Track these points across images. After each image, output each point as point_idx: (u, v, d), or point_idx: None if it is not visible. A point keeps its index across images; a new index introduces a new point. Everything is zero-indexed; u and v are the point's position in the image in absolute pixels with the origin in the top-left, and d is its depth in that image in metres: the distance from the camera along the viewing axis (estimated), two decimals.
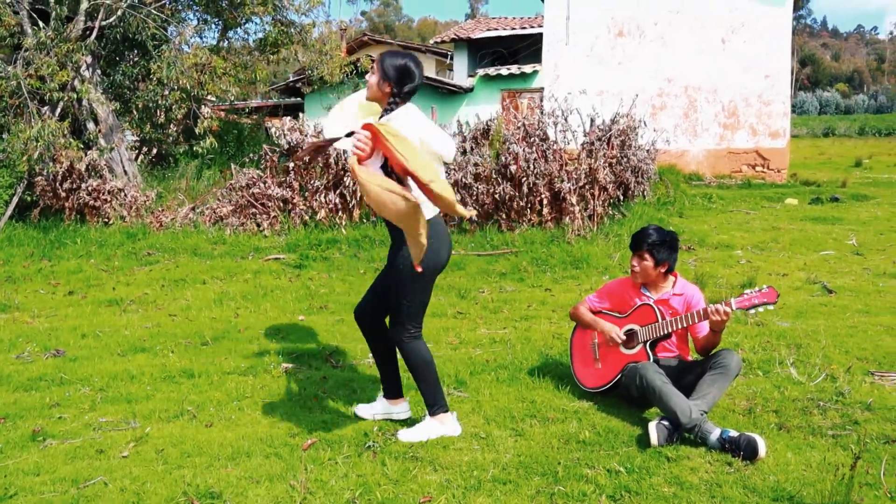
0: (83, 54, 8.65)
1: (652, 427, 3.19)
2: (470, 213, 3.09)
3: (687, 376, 3.56)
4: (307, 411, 3.61)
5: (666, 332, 3.55)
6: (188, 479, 2.85)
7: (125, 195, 8.58)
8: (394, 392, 3.51)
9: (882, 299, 6.02)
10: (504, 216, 7.92)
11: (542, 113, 8.04)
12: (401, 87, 3.17)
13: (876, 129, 36.98)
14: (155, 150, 11.41)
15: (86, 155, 8.48)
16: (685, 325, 3.52)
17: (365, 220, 8.22)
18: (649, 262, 3.66)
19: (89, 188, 8.36)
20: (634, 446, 3.18)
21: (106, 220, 8.44)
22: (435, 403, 3.29)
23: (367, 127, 2.90)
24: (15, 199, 8.29)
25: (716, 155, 13.94)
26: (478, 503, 2.70)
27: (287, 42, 11.15)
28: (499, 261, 7.30)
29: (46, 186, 8.36)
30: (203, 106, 11.64)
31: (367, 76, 3.28)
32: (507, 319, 5.52)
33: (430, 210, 3.07)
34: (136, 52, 10.13)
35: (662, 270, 3.70)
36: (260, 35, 11.52)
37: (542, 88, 15.20)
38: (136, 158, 10.96)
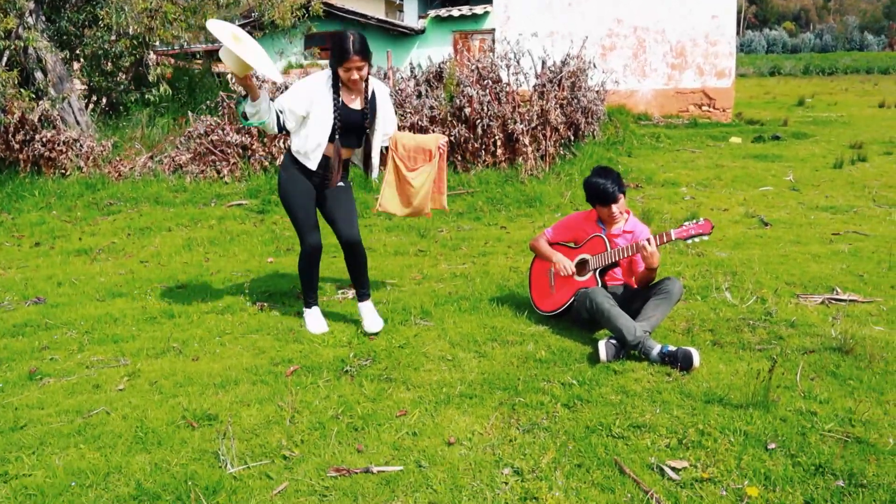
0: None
1: (601, 345, 3.58)
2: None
3: (633, 302, 3.95)
4: (286, 343, 3.91)
5: (613, 260, 3.92)
6: (184, 404, 3.14)
7: (81, 146, 8.56)
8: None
9: (812, 230, 6.54)
10: (460, 158, 8.18)
11: (494, 55, 8.24)
12: None
13: (820, 69, 37.96)
14: (105, 100, 11.24)
15: (37, 105, 8.40)
16: (629, 255, 3.89)
17: None
18: (624, 199, 4.00)
19: (44, 139, 8.32)
20: (586, 363, 3.57)
21: (63, 171, 8.44)
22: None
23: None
24: None
25: (664, 95, 14.33)
26: (448, 415, 3.06)
27: None
28: (455, 201, 7.59)
29: None
30: (149, 52, 11.46)
31: (353, 75, 3.67)
32: (466, 256, 5.85)
33: None
34: None
35: None
36: None
37: (494, 30, 15.30)
38: (87, 108, 10.82)
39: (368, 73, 3.80)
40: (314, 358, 3.65)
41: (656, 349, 3.54)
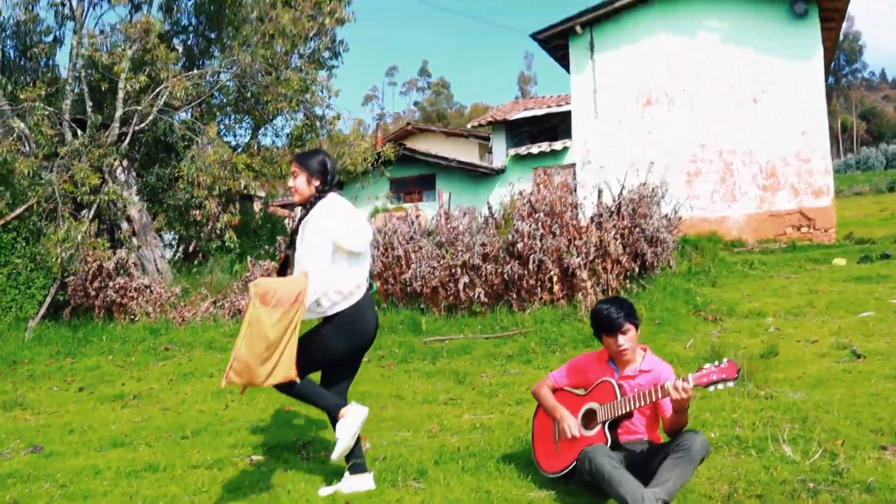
0: (114, 158, 9.15)
1: None
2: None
3: (651, 461, 3.31)
4: None
5: (625, 410, 3.34)
6: None
7: (151, 292, 8.85)
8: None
9: None
10: (515, 296, 7.76)
11: (541, 188, 7.98)
12: (326, 178, 3.58)
13: None
14: (191, 247, 11.82)
15: (114, 254, 8.84)
16: (645, 403, 3.30)
17: (377, 307, 8.22)
18: (633, 331, 3.49)
19: (116, 286, 8.68)
20: None
21: (132, 316, 8.71)
22: None
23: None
24: (48, 300, 8.67)
25: (757, 219, 13.50)
26: None
27: (313, 135, 11.56)
28: (507, 343, 7.11)
29: (78, 286, 8.72)
30: (255, 201, 12.06)
31: (290, 182, 3.49)
32: (500, 404, 5.32)
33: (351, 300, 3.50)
34: (169, 154, 10.67)
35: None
36: (288, 130, 12.01)
37: (574, 164, 15.23)
38: (174, 255, 11.38)
39: (314, 189, 3.55)
40: None
41: None
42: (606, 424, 3.38)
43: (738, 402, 4.79)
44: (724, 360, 3.22)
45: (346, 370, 3.70)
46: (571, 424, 3.51)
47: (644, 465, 3.30)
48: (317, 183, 3.54)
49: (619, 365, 3.55)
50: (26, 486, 4.01)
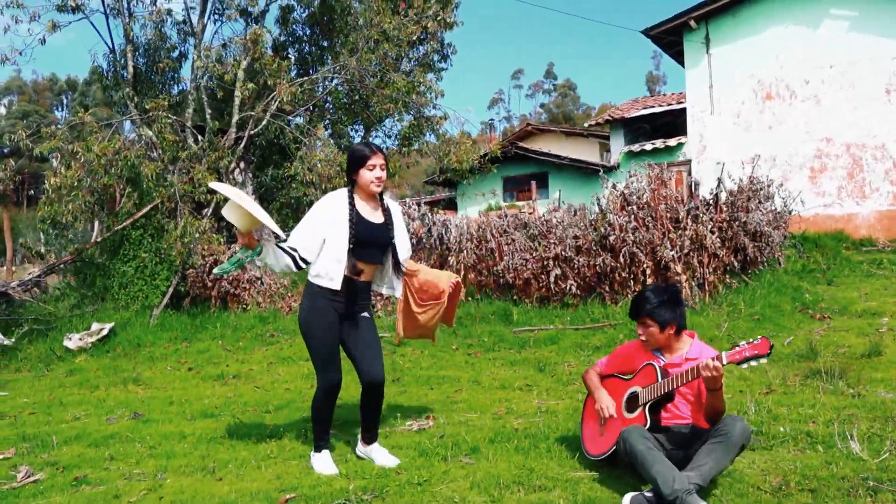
0: (230, 160, 9.89)
1: (627, 499, 2.97)
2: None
3: (692, 446, 3.27)
4: (312, 472, 3.77)
5: (665, 391, 3.32)
6: None
7: (262, 283, 9.47)
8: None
9: None
10: (607, 288, 7.70)
11: (637, 181, 7.84)
12: None
13: None
14: None
15: (229, 248, 9.54)
16: (683, 383, 3.27)
17: (469, 298, 8.39)
18: (654, 328, 3.47)
19: (230, 278, 9.35)
20: None
21: (244, 306, 9.36)
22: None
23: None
24: (170, 290, 9.48)
25: (890, 217, 12.53)
26: None
27: (418, 135, 11.94)
28: (595, 334, 7.08)
29: (196, 278, 9.48)
30: None
31: (381, 174, 3.77)
32: (574, 391, 5.35)
33: None
34: (283, 155, 11.35)
35: (671, 332, 3.48)
36: (396, 131, 12.46)
37: (689, 160, 14.75)
38: None
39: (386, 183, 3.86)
40: (322, 488, 3.46)
41: None
42: (647, 407, 3.37)
43: (818, 399, 4.58)
44: (759, 336, 3.13)
45: None
46: (608, 405, 3.53)
47: (687, 448, 3.27)
48: None
49: (666, 352, 3.53)
50: (122, 445, 4.50)
